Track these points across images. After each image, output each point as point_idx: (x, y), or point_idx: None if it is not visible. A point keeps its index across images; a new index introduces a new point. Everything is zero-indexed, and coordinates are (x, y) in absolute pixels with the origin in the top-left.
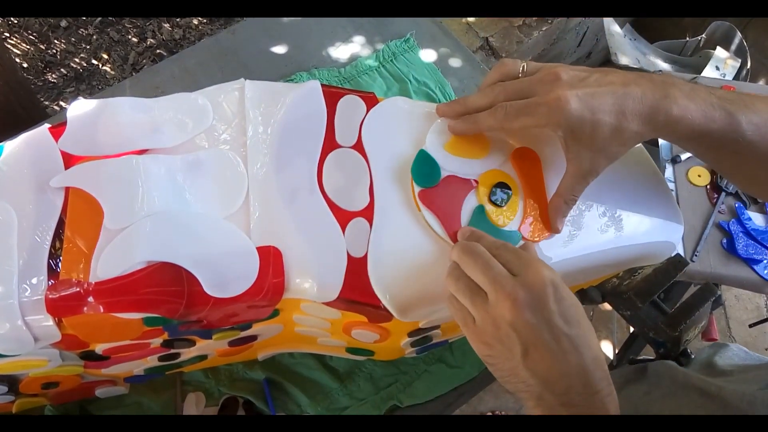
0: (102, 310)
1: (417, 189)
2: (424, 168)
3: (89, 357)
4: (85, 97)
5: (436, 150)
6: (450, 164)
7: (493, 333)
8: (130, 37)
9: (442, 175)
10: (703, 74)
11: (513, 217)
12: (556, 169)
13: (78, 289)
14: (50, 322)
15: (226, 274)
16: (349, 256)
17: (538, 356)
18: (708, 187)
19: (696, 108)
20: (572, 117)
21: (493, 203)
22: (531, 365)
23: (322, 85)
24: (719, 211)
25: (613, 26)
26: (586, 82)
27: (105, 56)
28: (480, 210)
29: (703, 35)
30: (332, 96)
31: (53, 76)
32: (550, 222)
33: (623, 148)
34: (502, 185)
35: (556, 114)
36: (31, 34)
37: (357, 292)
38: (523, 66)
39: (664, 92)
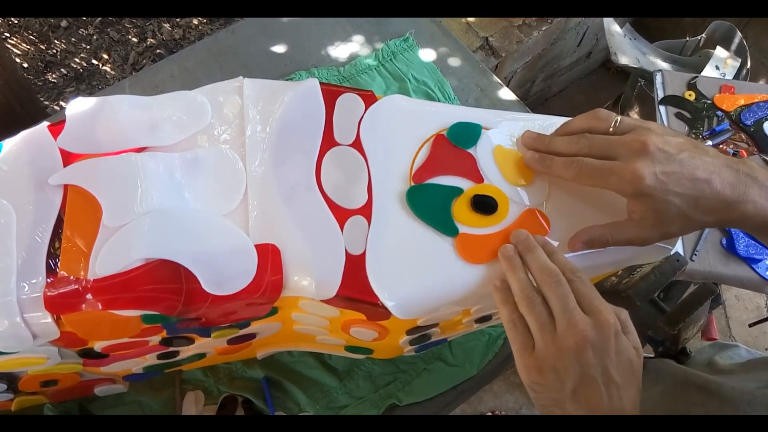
0: (100, 308)
1: (441, 133)
2: (466, 132)
3: (88, 355)
4: (85, 96)
5: (485, 148)
6: (483, 160)
7: (552, 362)
8: (130, 37)
9: (467, 150)
10: (702, 74)
11: (470, 225)
12: (603, 209)
13: (76, 286)
14: (49, 319)
15: (224, 272)
16: (347, 253)
17: (588, 394)
18: None
19: None
20: (643, 193)
21: (472, 206)
22: (579, 400)
23: (321, 83)
24: None
25: (613, 26)
26: (671, 160)
27: (105, 56)
28: (455, 191)
29: (703, 35)
30: (331, 94)
31: (53, 76)
32: (576, 236)
33: (683, 231)
34: (490, 201)
35: (628, 186)
36: (32, 34)
37: (355, 289)
38: (616, 121)
39: (743, 191)
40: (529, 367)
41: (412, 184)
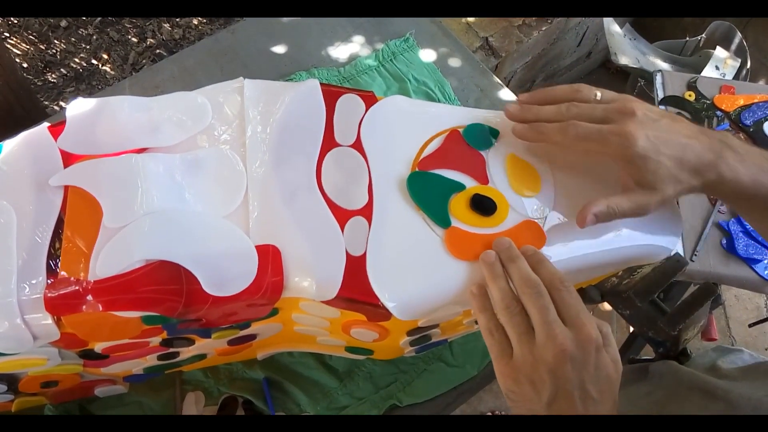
0: (101, 309)
1: (457, 129)
2: (483, 133)
3: (88, 356)
4: (85, 97)
5: (498, 153)
6: (494, 164)
7: (528, 373)
8: (130, 37)
9: (480, 151)
10: (702, 74)
11: (465, 222)
12: (599, 181)
13: (77, 288)
14: (49, 320)
15: (224, 273)
16: (348, 254)
17: (563, 407)
18: None
19: (746, 172)
20: (638, 154)
21: (470, 204)
22: (553, 412)
23: (321, 84)
24: (719, 211)
25: (612, 26)
26: (657, 124)
27: (105, 56)
28: (457, 185)
29: (703, 35)
30: (331, 95)
31: (53, 76)
32: (582, 212)
33: (676, 193)
34: (489, 203)
35: (624, 147)
36: (31, 34)
37: (356, 290)
38: (596, 93)
39: (719, 152)
40: (505, 374)
41: (416, 170)
